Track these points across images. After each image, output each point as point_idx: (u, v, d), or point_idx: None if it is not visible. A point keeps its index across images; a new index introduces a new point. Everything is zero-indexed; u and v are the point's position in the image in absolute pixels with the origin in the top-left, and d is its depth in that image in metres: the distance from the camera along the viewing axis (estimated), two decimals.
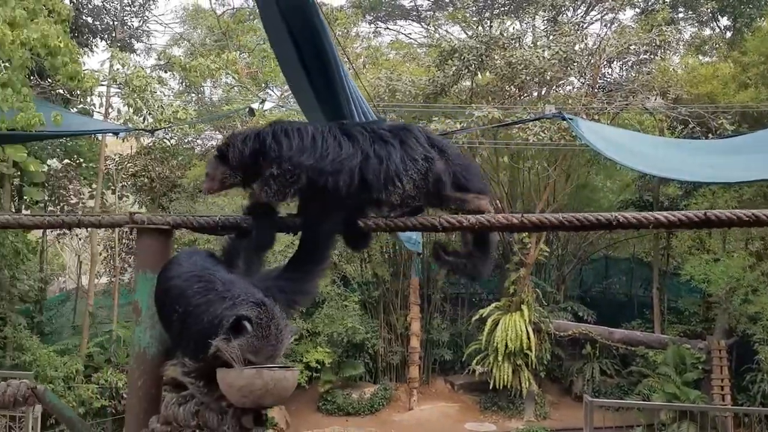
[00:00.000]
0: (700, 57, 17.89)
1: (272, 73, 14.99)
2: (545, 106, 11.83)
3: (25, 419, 10.34)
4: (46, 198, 14.43)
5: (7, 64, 7.76)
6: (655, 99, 14.54)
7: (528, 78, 13.74)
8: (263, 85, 16.63)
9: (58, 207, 15.36)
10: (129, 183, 15.47)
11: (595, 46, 14.36)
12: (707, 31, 18.62)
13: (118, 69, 12.14)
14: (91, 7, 14.41)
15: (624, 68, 15.42)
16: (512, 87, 14.54)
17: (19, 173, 12.93)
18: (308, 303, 2.42)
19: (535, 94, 15.77)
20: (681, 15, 17.78)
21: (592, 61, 14.03)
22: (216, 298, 2.01)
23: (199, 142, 17.38)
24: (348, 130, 2.52)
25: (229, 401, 1.90)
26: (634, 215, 2.25)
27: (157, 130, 11.91)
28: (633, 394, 14.70)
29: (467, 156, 2.92)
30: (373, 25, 21.06)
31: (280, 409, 14.84)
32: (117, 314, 14.50)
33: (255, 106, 10.32)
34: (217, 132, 17.45)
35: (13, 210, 13.33)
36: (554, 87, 15.21)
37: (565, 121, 9.93)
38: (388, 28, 21.43)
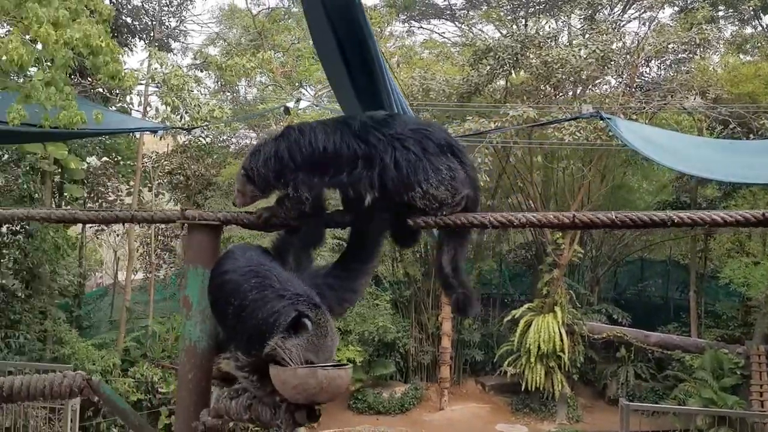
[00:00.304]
0: (741, 56, 17.52)
1: (306, 72, 15.09)
2: (582, 106, 11.69)
3: (64, 411, 10.60)
4: (85, 195, 14.72)
5: (49, 64, 7.91)
6: (694, 99, 14.27)
7: (564, 77, 13.59)
8: (297, 84, 16.74)
9: (97, 204, 15.65)
10: (165, 180, 15.69)
11: (633, 45, 14.14)
12: (749, 30, 18.22)
13: (156, 68, 12.33)
14: (130, 7, 14.66)
15: (662, 67, 15.16)
16: (547, 86, 14.39)
17: (59, 170, 13.20)
18: (356, 301, 2.42)
19: (571, 93, 15.59)
20: (721, 13, 17.42)
21: (629, 59, 13.82)
22: (273, 295, 2.02)
23: (233, 140, 17.57)
24: (365, 136, 2.47)
25: (283, 396, 1.91)
26: (689, 214, 2.20)
27: (194, 128, 12.06)
28: (668, 398, 14.45)
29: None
30: (406, 24, 21.05)
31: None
32: (153, 310, 14.73)
33: (290, 104, 10.38)
34: (251, 131, 17.62)
35: (54, 206, 13.63)
36: (590, 86, 15.02)
37: (602, 121, 9.83)
38: (421, 27, 21.42)
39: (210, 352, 2.45)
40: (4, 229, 12.03)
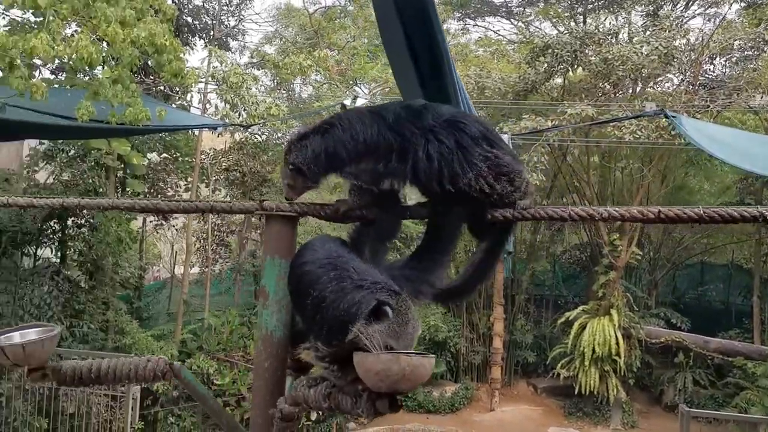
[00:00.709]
0: None
1: (361, 70, 15.15)
2: (645, 104, 11.40)
3: (125, 399, 10.92)
4: (146, 190, 15.10)
5: (113, 62, 8.13)
6: (761, 97, 13.77)
7: (624, 75, 13.28)
8: (352, 82, 16.84)
9: (157, 198, 16.04)
10: (222, 177, 15.98)
11: (697, 42, 13.73)
12: None
13: (216, 66, 12.57)
14: (191, 7, 14.98)
15: (727, 65, 14.69)
16: (607, 84, 14.09)
17: (122, 166, 13.58)
18: (432, 294, 2.40)
19: (630, 91, 15.24)
20: None
21: (693, 57, 13.43)
22: (351, 286, 2.04)
23: (288, 138, 17.77)
24: (399, 129, 2.48)
25: (365, 385, 1.92)
26: None
27: (252, 126, 12.25)
28: (729, 406, 14.00)
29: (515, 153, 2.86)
30: (461, 22, 20.91)
31: None
32: (208, 303, 15.03)
33: (347, 102, 10.45)
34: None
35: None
36: (651, 84, 14.65)
37: (666, 119, 9.58)
38: (476, 24, 21.24)
39: (285, 342, 2.48)
40: (69, 222, 12.44)
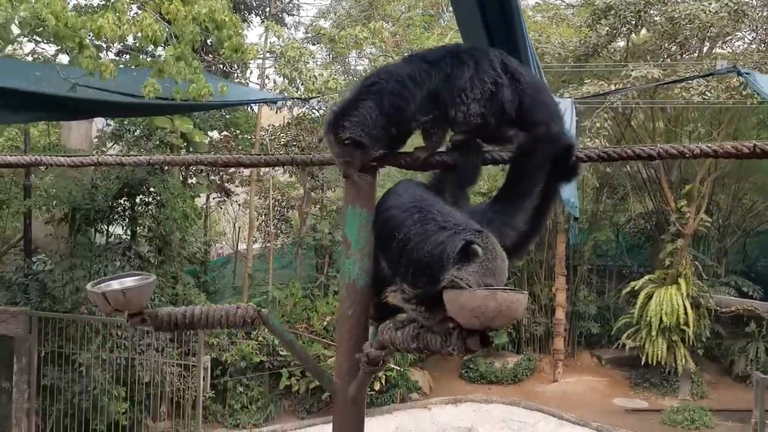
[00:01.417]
0: None
1: (417, 41, 15.01)
2: (716, 62, 10.95)
3: (196, 369, 11.31)
4: (208, 167, 15.44)
5: (175, 40, 8.28)
6: None
7: (691, 34, 12.77)
8: (407, 53, 16.68)
9: (218, 176, 16.41)
10: (281, 152, 16.19)
11: None
12: None
13: (273, 41, 12.66)
14: None
15: None
16: (672, 45, 13.59)
17: (185, 144, 13.89)
18: (515, 238, 2.38)
19: (697, 52, 14.65)
20: None
21: (765, 13, 12.79)
22: (435, 227, 2.05)
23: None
24: (435, 60, 2.52)
25: (454, 323, 1.93)
26: None
27: (311, 99, 12.34)
28: None
29: (545, 88, 2.75)
30: None
31: (424, 375, 15.12)
32: (272, 277, 15.33)
33: None
34: None
35: (181, 178, 14.40)
36: (720, 44, 14.04)
37: (739, 76, 9.20)
38: None
39: (368, 289, 2.52)
40: (138, 199, 12.85)
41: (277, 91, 12.84)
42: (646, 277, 15.02)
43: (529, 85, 2.54)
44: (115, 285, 2.24)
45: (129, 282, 2.26)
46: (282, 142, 15.88)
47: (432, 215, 2.12)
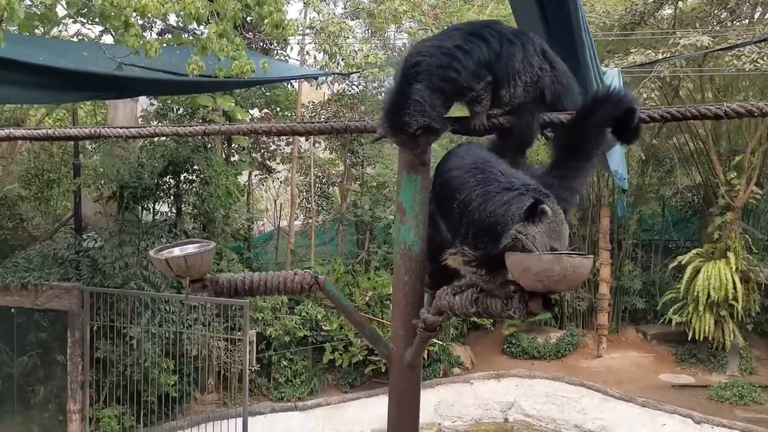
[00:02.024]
0: None
1: (457, 13, 14.82)
2: None
3: (242, 343, 11.53)
4: (249, 144, 15.58)
5: (217, 18, 8.32)
6: None
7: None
8: (446, 25, 16.49)
9: (259, 153, 16.55)
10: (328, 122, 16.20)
11: None
12: None
13: (313, 17, 12.64)
14: None
15: None
16: (723, 11, 13.11)
17: (227, 122, 14.03)
18: (576, 202, 2.35)
19: (748, 19, 14.12)
20: None
21: None
22: (499, 188, 2.02)
23: (383, 88, 17.75)
24: (479, 32, 2.50)
25: (517, 286, 1.91)
26: None
27: (352, 74, 12.32)
28: None
29: (573, 78, 2.74)
30: None
31: (465, 349, 15.16)
32: (314, 253, 15.47)
33: None
34: None
35: (224, 156, 14.56)
36: None
37: None
38: None
39: (423, 256, 2.51)
40: (182, 177, 13.06)
41: (318, 67, 12.85)
42: (694, 251, 14.69)
43: (563, 73, 2.60)
44: (177, 251, 2.28)
45: (190, 248, 2.30)
46: (322, 119, 15.90)
47: (495, 176, 2.09)
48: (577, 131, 2.34)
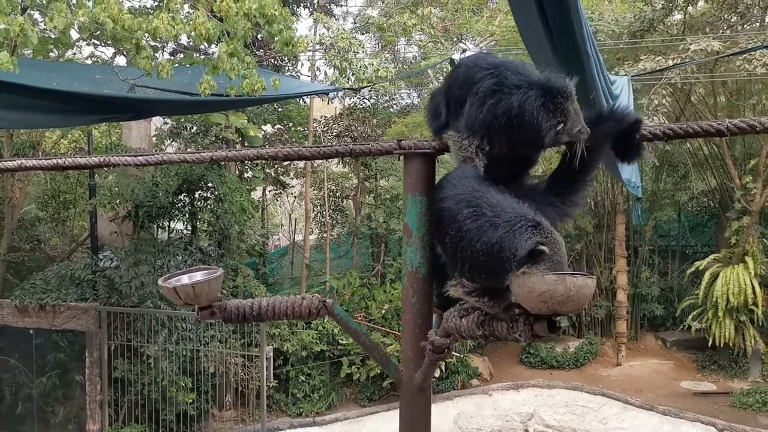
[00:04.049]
0: None
1: (466, 25, 14.87)
2: None
3: (259, 359, 11.56)
4: (263, 161, 15.67)
5: (227, 37, 8.41)
6: None
7: (752, 3, 12.22)
8: (456, 38, 16.58)
9: (272, 169, 16.66)
10: (334, 143, 16.29)
11: None
12: None
13: (323, 33, 12.73)
14: None
15: None
16: (733, 15, 13.03)
17: (240, 138, 14.15)
18: (576, 214, 2.34)
19: (759, 22, 14.02)
20: None
21: None
22: (487, 225, 2.00)
23: (395, 101, 17.84)
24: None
25: (521, 309, 1.91)
26: None
27: (363, 88, 12.38)
28: None
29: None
30: None
31: (484, 360, 15.07)
32: (329, 267, 15.50)
33: (455, 57, 10.28)
34: (412, 90, 17.76)
35: (237, 172, 14.67)
36: None
37: None
38: None
39: (430, 277, 2.52)
40: (197, 195, 13.17)
41: (328, 83, 12.93)
42: (711, 257, 14.54)
43: None
44: (185, 279, 2.31)
45: (198, 276, 2.32)
46: (334, 133, 15.99)
47: (482, 210, 2.06)
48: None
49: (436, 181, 2.52)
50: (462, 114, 2.35)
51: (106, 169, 12.60)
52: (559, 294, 1.73)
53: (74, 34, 9.44)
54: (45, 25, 8.83)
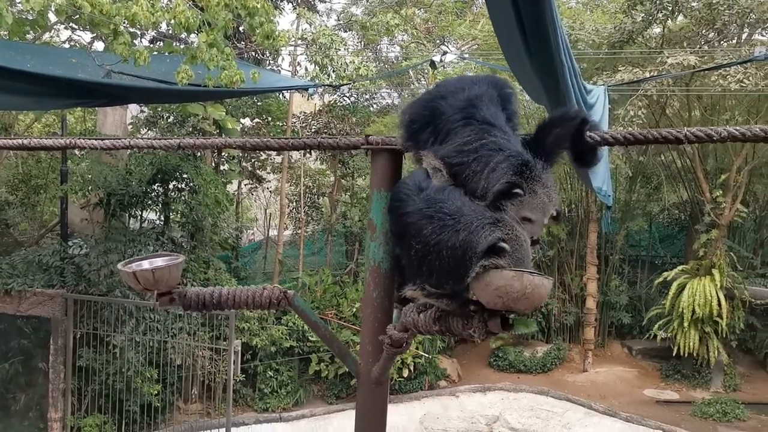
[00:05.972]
0: None
1: (449, 27, 14.93)
2: (755, 48, 10.66)
3: (227, 353, 11.50)
4: (240, 154, 15.59)
5: (208, 27, 8.35)
6: None
7: (729, 20, 12.45)
8: (438, 40, 16.64)
9: (250, 162, 16.58)
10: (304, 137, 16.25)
11: None
12: None
13: (305, 28, 12.69)
14: None
15: None
16: (710, 31, 13.26)
17: (218, 131, 14.05)
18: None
19: (736, 39, 14.29)
20: None
21: None
22: (450, 233, 1.99)
23: (375, 100, 17.85)
24: None
25: (476, 306, 1.94)
26: None
27: (343, 85, 12.37)
28: None
29: None
30: None
31: (452, 362, 15.15)
32: (302, 263, 15.46)
33: (436, 59, 10.34)
34: (393, 90, 17.79)
35: (213, 164, 14.57)
36: (760, 30, 13.66)
37: None
38: None
39: (392, 272, 2.54)
40: (171, 185, 13.04)
41: (309, 78, 12.89)
42: (679, 268, 14.78)
43: None
44: (146, 264, 2.30)
45: (159, 261, 2.32)
46: (313, 129, 15.97)
47: (445, 222, 2.03)
48: (533, 149, 2.35)
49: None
50: (438, 142, 2.31)
51: (78, 155, 12.45)
52: (515, 290, 1.76)
53: (52, 17, 9.31)
54: (22, 5, 8.70)
